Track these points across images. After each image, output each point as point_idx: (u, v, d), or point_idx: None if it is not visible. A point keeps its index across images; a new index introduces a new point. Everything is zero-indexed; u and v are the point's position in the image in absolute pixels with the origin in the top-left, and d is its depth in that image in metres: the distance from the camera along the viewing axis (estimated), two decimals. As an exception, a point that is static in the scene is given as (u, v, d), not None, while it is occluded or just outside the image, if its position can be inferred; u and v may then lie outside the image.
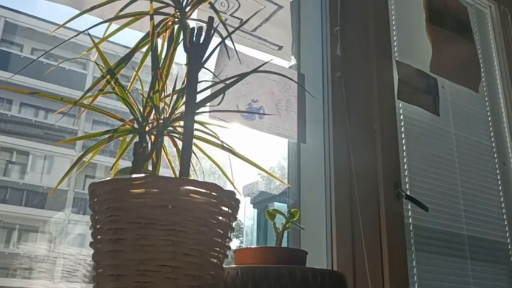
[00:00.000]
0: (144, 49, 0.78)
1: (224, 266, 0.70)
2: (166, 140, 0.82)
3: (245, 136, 1.16)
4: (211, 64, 1.10)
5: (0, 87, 0.63)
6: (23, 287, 1.24)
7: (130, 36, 0.87)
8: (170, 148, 0.83)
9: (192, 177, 0.74)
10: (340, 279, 0.82)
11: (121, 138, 0.80)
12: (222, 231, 0.68)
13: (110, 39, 0.89)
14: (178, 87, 0.79)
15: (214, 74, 0.89)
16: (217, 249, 0.67)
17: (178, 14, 0.75)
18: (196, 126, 0.75)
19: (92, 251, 0.65)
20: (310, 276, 0.76)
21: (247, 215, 1.75)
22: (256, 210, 1.52)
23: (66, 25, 0.76)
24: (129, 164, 0.77)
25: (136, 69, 0.80)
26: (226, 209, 0.68)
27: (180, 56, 0.78)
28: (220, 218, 0.67)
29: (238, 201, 0.70)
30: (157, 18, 0.76)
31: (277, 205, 1.45)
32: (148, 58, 0.76)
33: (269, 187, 1.43)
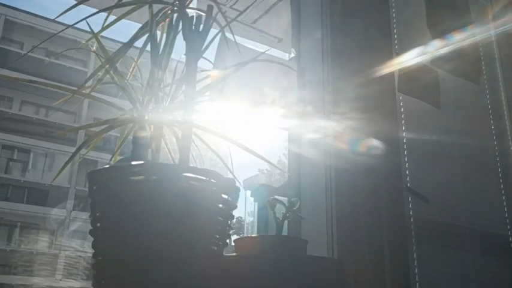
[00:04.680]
0: (142, 43, 0.78)
1: (224, 254, 0.70)
2: (166, 130, 0.81)
3: (244, 131, 1.15)
4: (211, 57, 1.10)
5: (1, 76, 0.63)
6: (24, 284, 1.25)
7: (130, 32, 0.87)
8: (171, 142, 0.83)
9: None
10: (340, 267, 0.82)
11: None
12: (222, 219, 0.67)
13: (110, 36, 0.89)
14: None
15: (213, 64, 0.89)
16: (218, 236, 0.67)
17: (177, 2, 0.75)
18: (195, 115, 0.75)
19: (92, 239, 0.65)
20: (311, 264, 0.76)
21: (248, 211, 1.75)
22: (256, 203, 1.51)
23: (68, 23, 0.76)
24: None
25: (135, 59, 0.80)
26: (226, 196, 0.68)
27: (180, 51, 0.78)
28: (220, 205, 0.67)
29: (237, 189, 0.70)
30: (157, 8, 0.76)
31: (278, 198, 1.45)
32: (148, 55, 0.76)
33: (270, 180, 1.43)
